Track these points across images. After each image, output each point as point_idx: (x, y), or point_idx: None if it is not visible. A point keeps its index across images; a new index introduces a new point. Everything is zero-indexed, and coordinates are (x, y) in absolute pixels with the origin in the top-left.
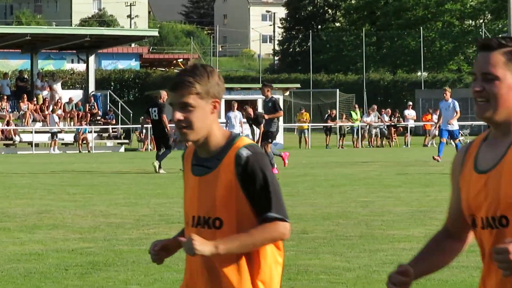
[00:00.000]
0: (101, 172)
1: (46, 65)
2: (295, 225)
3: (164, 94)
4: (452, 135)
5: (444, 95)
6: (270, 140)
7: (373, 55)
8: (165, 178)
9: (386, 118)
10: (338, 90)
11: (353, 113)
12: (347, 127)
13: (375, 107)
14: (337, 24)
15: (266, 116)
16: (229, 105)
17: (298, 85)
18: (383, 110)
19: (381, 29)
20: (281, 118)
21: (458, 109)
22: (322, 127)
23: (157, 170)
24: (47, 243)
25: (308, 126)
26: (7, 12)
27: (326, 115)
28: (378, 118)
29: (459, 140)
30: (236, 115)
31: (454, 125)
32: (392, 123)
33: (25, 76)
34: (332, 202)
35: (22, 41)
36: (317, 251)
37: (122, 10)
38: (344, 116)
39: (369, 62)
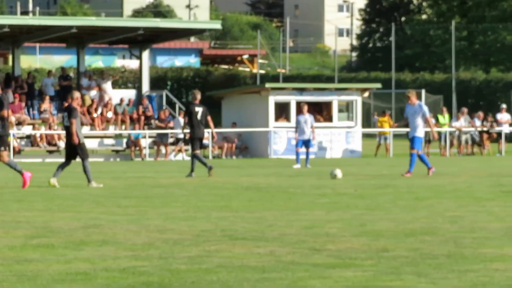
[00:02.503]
0: (156, 183)
1: (94, 61)
2: (374, 242)
3: (77, 94)
4: None
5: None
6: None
7: (464, 51)
8: (229, 189)
9: (478, 123)
10: (423, 90)
11: (440, 117)
12: None
13: (466, 110)
14: (423, 16)
15: None
16: (299, 108)
17: (379, 85)
18: (474, 114)
19: (473, 21)
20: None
21: None
22: (405, 132)
23: (91, 184)
24: (96, 262)
25: (390, 131)
26: (50, 2)
27: None
28: (469, 123)
29: None
30: (307, 119)
31: None
32: (485, 129)
33: (70, 74)
34: (416, 217)
35: (67, 35)
36: (399, 271)
37: (181, 0)
38: None
39: (459, 59)
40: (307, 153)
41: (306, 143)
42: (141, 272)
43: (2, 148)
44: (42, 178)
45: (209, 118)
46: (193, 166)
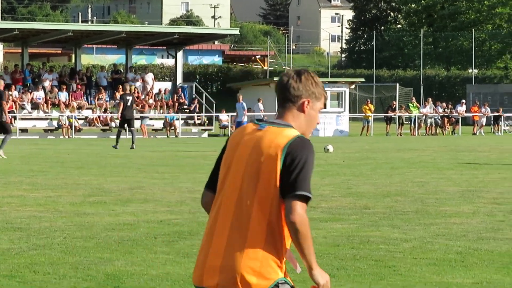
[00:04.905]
0: (187, 154)
1: (139, 59)
2: (358, 201)
3: (1, 82)
4: None
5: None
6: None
7: (430, 53)
8: None
9: (440, 110)
10: (398, 84)
11: (410, 105)
12: (405, 117)
13: (430, 99)
14: (398, 26)
15: None
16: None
17: (363, 80)
18: (437, 102)
19: (437, 30)
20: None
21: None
22: (383, 117)
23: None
24: (139, 215)
25: (371, 116)
26: (104, 13)
27: (387, 106)
28: (433, 110)
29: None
30: (239, 106)
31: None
32: (445, 114)
33: (120, 69)
34: (391, 182)
35: (118, 38)
36: (377, 224)
37: (207, 11)
38: (403, 108)
39: (426, 60)
40: None
41: (240, 124)
42: (174, 223)
43: None
44: (97, 151)
45: (134, 104)
46: (117, 139)
